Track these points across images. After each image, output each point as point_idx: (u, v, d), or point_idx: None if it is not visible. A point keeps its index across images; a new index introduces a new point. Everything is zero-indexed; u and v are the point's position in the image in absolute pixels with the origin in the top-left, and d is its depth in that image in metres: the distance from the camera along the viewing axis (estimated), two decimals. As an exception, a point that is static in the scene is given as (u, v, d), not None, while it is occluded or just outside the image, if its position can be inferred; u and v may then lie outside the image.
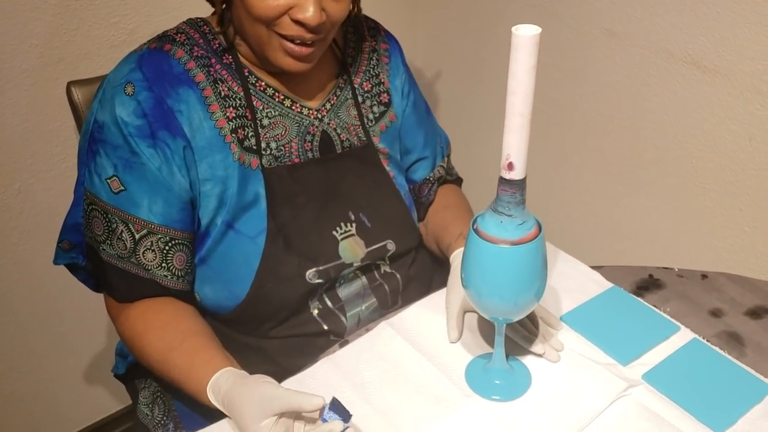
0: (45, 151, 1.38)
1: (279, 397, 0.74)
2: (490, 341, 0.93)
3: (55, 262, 1.04)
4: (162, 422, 1.03)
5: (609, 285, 1.03)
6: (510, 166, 0.73)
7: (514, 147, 0.72)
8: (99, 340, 1.64)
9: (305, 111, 1.01)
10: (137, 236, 0.92)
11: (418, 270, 1.10)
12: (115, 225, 0.92)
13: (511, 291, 0.78)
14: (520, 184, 0.74)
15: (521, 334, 0.91)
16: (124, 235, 0.92)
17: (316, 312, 1.00)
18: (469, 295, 0.81)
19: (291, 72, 0.93)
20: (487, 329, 0.95)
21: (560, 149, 1.64)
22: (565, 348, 0.92)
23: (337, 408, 0.77)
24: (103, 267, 0.94)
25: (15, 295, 1.46)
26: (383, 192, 1.07)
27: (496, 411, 0.83)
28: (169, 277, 0.94)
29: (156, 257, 0.93)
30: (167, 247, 0.93)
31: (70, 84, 1.13)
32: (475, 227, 0.78)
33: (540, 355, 0.90)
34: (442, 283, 1.04)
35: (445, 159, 1.20)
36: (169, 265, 0.94)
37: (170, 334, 0.90)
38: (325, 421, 0.76)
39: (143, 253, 0.92)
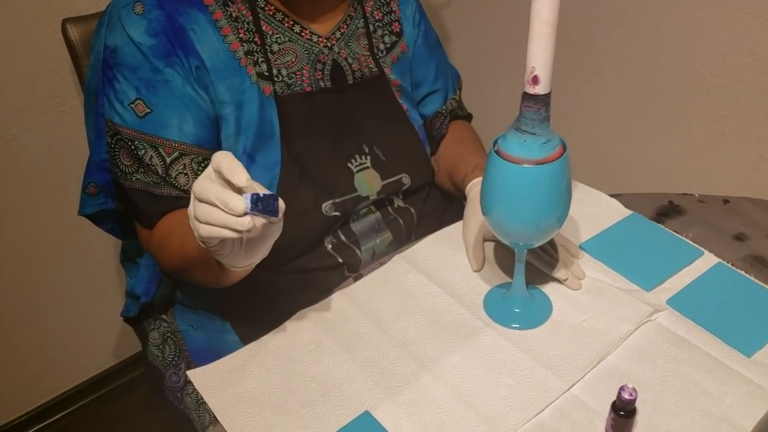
0: (41, 94, 1.34)
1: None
2: (509, 271, 0.90)
3: (82, 212, 1.00)
4: (173, 362, 1.01)
5: (628, 212, 1.00)
6: (535, 80, 0.69)
7: (540, 58, 0.68)
8: (103, 286, 1.61)
9: (315, 38, 0.96)
10: (168, 160, 0.87)
11: (431, 206, 1.07)
12: (143, 152, 0.87)
13: (533, 214, 0.75)
14: (544, 100, 0.70)
15: (543, 260, 0.88)
16: (154, 161, 0.87)
17: (330, 246, 0.97)
18: (490, 221, 0.78)
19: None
20: (505, 259, 0.93)
21: (574, 78, 1.60)
22: (587, 276, 0.89)
23: (262, 203, 0.64)
24: (135, 197, 0.89)
25: (15, 246, 1.43)
26: (397, 125, 1.03)
27: (517, 339, 0.81)
28: None
29: (189, 181, 0.88)
30: (201, 168, 0.89)
31: (65, 21, 1.08)
32: (496, 148, 0.75)
33: (562, 282, 0.88)
34: (454, 219, 1.02)
35: (457, 92, 1.16)
36: None
37: None
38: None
39: (176, 177, 0.88)
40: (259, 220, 0.63)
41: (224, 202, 0.59)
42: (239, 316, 1.01)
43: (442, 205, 1.11)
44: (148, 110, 0.86)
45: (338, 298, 0.88)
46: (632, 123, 1.52)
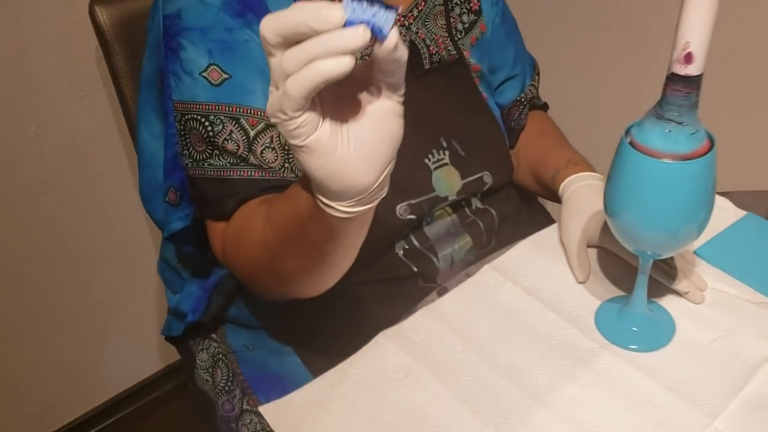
0: (64, 86, 1.21)
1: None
2: (618, 282, 0.79)
3: (170, 232, 0.88)
4: (226, 387, 0.89)
5: (743, 213, 0.88)
6: (688, 58, 0.57)
7: (697, 31, 0.56)
8: (133, 294, 1.49)
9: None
10: (252, 133, 0.74)
11: (511, 206, 0.95)
12: (220, 127, 0.74)
13: (673, 218, 0.63)
14: (697, 82, 0.58)
15: (661, 269, 0.76)
16: (234, 136, 0.74)
17: (401, 252, 0.85)
18: (615, 224, 0.67)
19: None
20: (613, 268, 0.81)
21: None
22: (708, 287, 0.78)
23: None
24: (206, 187, 0.76)
25: (39, 254, 1.31)
26: (477, 116, 0.91)
27: (641, 363, 0.70)
28: (294, 179, 0.76)
29: (277, 157, 0.75)
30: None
31: (93, 3, 0.97)
32: (629, 139, 0.63)
33: (682, 294, 0.76)
34: (532, 221, 0.90)
35: (536, 78, 1.04)
36: (293, 166, 0.76)
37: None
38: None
39: (261, 153, 0.74)
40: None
41: (314, 17, 0.42)
42: (302, 334, 0.89)
43: (520, 206, 0.98)
44: (226, 76, 0.74)
45: (423, 316, 0.76)
46: (737, 114, 1.40)
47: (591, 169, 0.88)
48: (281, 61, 0.44)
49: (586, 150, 0.96)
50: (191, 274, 0.93)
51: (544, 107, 1.07)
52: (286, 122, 0.45)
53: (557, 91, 1.26)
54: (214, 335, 0.94)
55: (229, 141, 0.74)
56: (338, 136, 0.47)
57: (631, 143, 0.62)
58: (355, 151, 0.48)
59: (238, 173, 0.75)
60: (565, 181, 0.86)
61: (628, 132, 0.63)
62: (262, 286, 0.75)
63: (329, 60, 0.42)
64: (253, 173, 0.75)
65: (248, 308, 0.91)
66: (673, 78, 0.58)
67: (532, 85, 1.02)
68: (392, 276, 0.84)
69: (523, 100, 1.00)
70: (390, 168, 0.51)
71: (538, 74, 1.04)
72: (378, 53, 0.44)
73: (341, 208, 0.52)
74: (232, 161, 0.74)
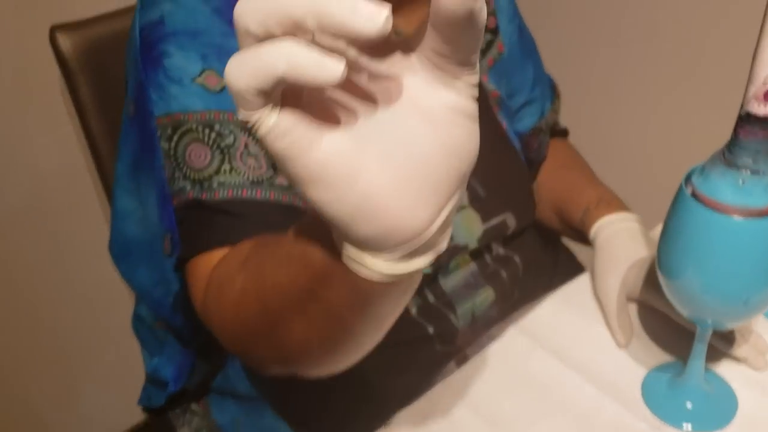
0: (27, 119, 1.10)
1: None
2: (666, 346, 0.68)
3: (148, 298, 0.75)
4: (213, 468, 0.77)
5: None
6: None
7: (782, 63, 0.45)
8: (107, 347, 1.37)
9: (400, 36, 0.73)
10: None
11: (535, 251, 0.84)
12: (231, 139, 0.62)
13: (744, 285, 0.53)
14: (777, 123, 0.47)
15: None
16: (251, 149, 0.63)
17: (415, 310, 0.74)
18: (671, 286, 0.56)
19: None
20: (660, 329, 0.69)
21: (699, 100, 1.36)
22: (770, 349, 0.67)
23: None
24: (212, 212, 0.62)
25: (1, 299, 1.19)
26: (498, 149, 0.80)
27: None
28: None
29: None
30: None
31: (54, 29, 0.86)
32: (691, 189, 0.52)
33: (741, 360, 0.65)
34: (557, 267, 0.79)
35: (556, 102, 0.92)
36: None
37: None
38: None
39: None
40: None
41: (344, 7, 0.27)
42: (299, 410, 0.77)
43: (544, 249, 0.87)
44: None
45: (441, 394, 0.65)
46: None
47: (624, 208, 0.78)
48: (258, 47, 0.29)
49: (612, 183, 0.86)
50: (172, 336, 0.81)
51: (564, 133, 0.96)
52: (252, 128, 0.31)
53: (579, 116, 1.16)
54: (197, 406, 0.82)
55: (248, 155, 0.62)
56: (362, 150, 0.31)
57: (693, 194, 0.51)
58: (396, 174, 0.31)
59: (263, 194, 0.62)
60: (597, 223, 0.75)
61: (688, 180, 0.53)
62: (253, 357, 0.58)
63: (306, 54, 0.27)
64: (280, 196, 0.62)
65: (237, 376, 0.79)
66: (748, 119, 0.47)
67: (553, 110, 0.91)
68: (404, 339, 0.73)
69: (543, 126, 0.89)
70: (455, 201, 0.34)
71: (558, 97, 0.93)
72: (442, 4, 0.27)
73: (377, 268, 0.34)
74: (252, 178, 0.62)
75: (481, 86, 0.78)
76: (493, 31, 0.81)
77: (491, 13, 0.81)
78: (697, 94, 1.28)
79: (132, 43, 0.68)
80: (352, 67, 0.30)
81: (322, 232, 0.37)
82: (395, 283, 0.35)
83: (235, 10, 0.28)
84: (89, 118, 0.89)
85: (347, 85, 0.31)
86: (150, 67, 0.64)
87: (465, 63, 0.30)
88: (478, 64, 0.31)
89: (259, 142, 0.32)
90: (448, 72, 0.30)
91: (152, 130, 0.64)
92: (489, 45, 0.81)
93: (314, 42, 0.28)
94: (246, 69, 0.28)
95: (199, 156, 0.63)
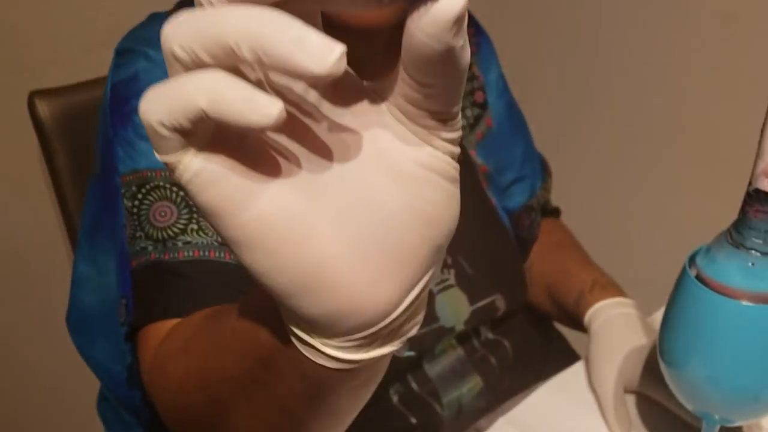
0: (2, 187, 1.06)
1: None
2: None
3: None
4: None
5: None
6: (778, 172, 0.43)
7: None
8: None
9: None
10: None
11: (526, 336, 0.80)
12: None
13: (754, 375, 0.48)
14: (788, 202, 0.44)
15: None
16: None
17: (396, 398, 0.68)
18: (675, 377, 0.52)
19: (363, 28, 0.55)
20: (659, 419, 0.65)
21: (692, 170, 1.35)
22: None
23: None
24: (172, 275, 0.57)
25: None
26: (487, 226, 0.77)
27: None
28: None
29: None
30: None
31: (32, 94, 0.84)
32: (695, 272, 0.48)
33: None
34: (549, 353, 0.75)
35: (547, 180, 0.90)
36: None
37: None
38: None
39: None
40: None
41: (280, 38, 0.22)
42: None
43: (535, 334, 0.83)
44: None
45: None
46: None
47: (621, 293, 0.74)
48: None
49: (607, 266, 0.82)
50: (136, 418, 0.75)
51: (556, 213, 0.93)
52: (173, 174, 0.26)
53: (572, 194, 1.14)
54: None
55: None
56: (313, 209, 0.26)
57: (698, 277, 0.48)
58: (354, 241, 0.26)
59: (233, 256, 0.57)
60: (592, 308, 0.71)
61: (692, 261, 0.49)
62: None
63: (235, 92, 0.22)
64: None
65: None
66: (757, 196, 0.44)
67: (544, 188, 0.88)
68: (385, 430, 0.67)
69: (534, 205, 0.86)
70: (428, 278, 0.28)
71: (549, 176, 0.91)
72: (415, 39, 0.23)
73: (333, 353, 0.28)
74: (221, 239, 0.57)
75: (469, 160, 0.76)
76: (482, 105, 0.79)
77: (480, 88, 0.79)
78: (701, 169, 1.26)
79: (103, 102, 0.65)
80: (310, 114, 0.26)
81: (272, 306, 0.30)
82: (353, 372, 0.29)
83: (162, 29, 0.24)
84: (64, 187, 0.86)
85: (302, 133, 0.26)
86: (120, 123, 0.62)
87: (443, 115, 0.25)
88: (460, 118, 0.26)
89: (184, 192, 0.26)
90: (423, 125, 0.26)
91: (116, 187, 0.61)
92: (478, 119, 0.79)
93: (267, 80, 0.24)
94: (161, 101, 0.23)
95: (164, 214, 0.59)
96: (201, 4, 0.23)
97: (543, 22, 1.43)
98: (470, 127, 0.77)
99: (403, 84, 0.25)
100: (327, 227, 0.25)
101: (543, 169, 0.89)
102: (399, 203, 0.26)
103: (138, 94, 0.61)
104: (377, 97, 0.26)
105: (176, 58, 0.23)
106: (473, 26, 0.83)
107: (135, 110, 0.61)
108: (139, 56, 0.63)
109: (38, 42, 1.04)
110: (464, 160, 0.75)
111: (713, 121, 1.21)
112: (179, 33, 0.23)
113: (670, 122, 1.27)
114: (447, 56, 0.23)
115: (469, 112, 0.78)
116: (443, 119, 0.25)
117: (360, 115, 0.26)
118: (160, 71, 0.62)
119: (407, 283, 0.26)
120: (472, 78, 0.79)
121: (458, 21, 0.22)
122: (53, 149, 0.85)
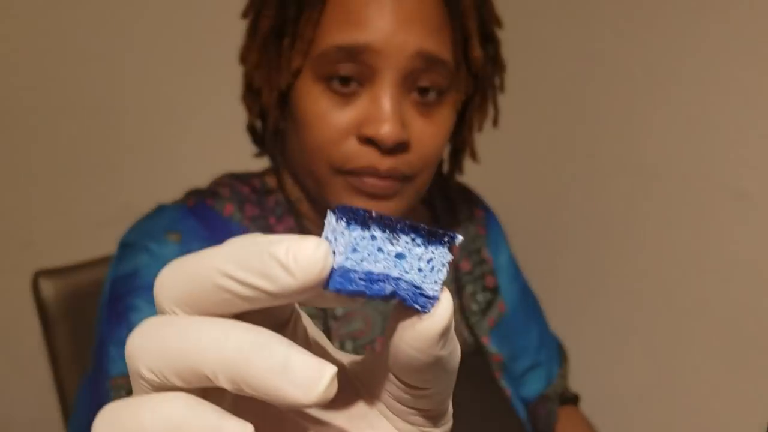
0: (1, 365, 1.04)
1: None
2: None
3: None
4: None
5: None
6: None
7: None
8: None
9: None
10: None
11: None
12: None
13: None
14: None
15: None
16: None
17: None
18: None
19: None
20: None
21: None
22: None
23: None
24: None
25: None
26: (501, 419, 0.72)
27: None
28: None
29: None
30: None
31: (38, 274, 0.83)
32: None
33: None
34: None
35: (564, 366, 0.86)
36: None
37: None
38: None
39: None
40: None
41: (262, 271, 0.21)
42: None
43: None
44: None
45: None
46: None
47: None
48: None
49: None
50: None
51: (575, 400, 0.88)
52: None
53: (591, 380, 1.09)
54: None
55: None
56: None
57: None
58: None
59: None
60: None
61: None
62: None
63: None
64: None
65: None
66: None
67: (561, 375, 0.84)
68: None
69: (551, 394, 0.82)
70: None
71: (566, 361, 0.87)
72: (402, 351, 0.22)
73: None
74: None
75: (482, 350, 0.73)
76: (494, 290, 0.78)
77: (489, 272, 0.78)
78: (735, 351, 1.20)
79: (102, 295, 0.64)
80: (299, 419, 0.24)
81: None
82: None
83: (126, 345, 0.22)
84: (63, 370, 0.83)
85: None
86: (114, 322, 0.60)
87: (433, 413, 0.25)
88: (450, 414, 0.26)
89: None
90: (413, 422, 0.25)
91: (105, 392, 0.58)
92: (489, 304, 0.77)
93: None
94: (121, 420, 0.21)
95: None
96: (164, 312, 0.22)
97: (558, 203, 1.45)
98: (482, 312, 0.75)
99: (391, 384, 0.24)
100: None
101: (559, 355, 0.86)
102: None
103: (134, 291, 0.61)
104: (368, 395, 0.26)
105: (143, 379, 0.22)
106: (481, 207, 0.83)
107: (131, 308, 0.60)
108: (141, 251, 0.64)
109: (48, 216, 1.05)
110: (476, 350, 0.72)
111: (731, 299, 1.17)
112: (147, 352, 0.22)
113: (686, 302, 1.24)
114: (435, 365, 0.23)
115: (480, 297, 0.76)
116: (433, 416, 0.25)
117: (354, 417, 0.25)
118: (160, 266, 0.61)
119: None
120: (481, 262, 0.78)
121: (444, 333, 0.22)
122: (54, 330, 0.83)
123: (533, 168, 1.47)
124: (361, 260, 0.22)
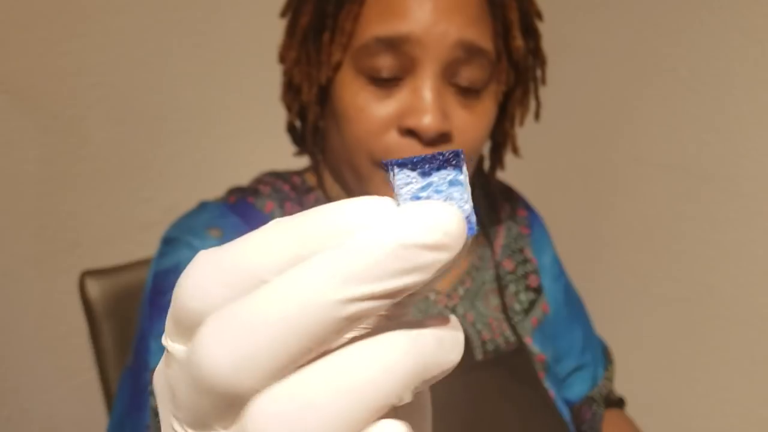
0: (46, 364, 1.06)
1: None
2: None
3: None
4: None
5: None
6: None
7: None
8: None
9: (432, 295, 0.68)
10: None
11: None
12: None
13: None
14: None
15: None
16: None
17: None
18: None
19: None
20: None
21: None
22: None
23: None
24: None
25: None
26: (544, 420, 0.71)
27: None
28: None
29: None
30: None
31: (84, 275, 0.85)
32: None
33: None
34: None
35: (610, 368, 0.84)
36: None
37: None
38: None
39: None
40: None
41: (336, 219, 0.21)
42: None
43: None
44: None
45: None
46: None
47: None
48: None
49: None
50: None
51: (620, 404, 0.86)
52: None
53: (636, 383, 1.06)
54: None
55: None
56: None
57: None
58: None
59: None
60: None
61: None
62: None
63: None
64: None
65: None
66: None
67: (607, 377, 0.82)
68: None
69: (596, 396, 0.80)
70: None
71: (612, 363, 0.85)
72: None
73: None
74: None
75: (525, 349, 0.72)
76: (537, 290, 0.76)
77: (533, 272, 0.76)
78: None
79: (145, 290, 0.65)
80: None
81: None
82: None
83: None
84: (108, 367, 0.85)
85: None
86: (156, 316, 0.61)
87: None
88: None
89: None
90: None
91: (144, 384, 0.59)
92: (532, 304, 0.75)
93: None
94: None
95: None
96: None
97: (600, 203, 1.42)
98: (525, 312, 0.74)
99: None
100: None
101: (605, 356, 0.84)
102: None
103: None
104: None
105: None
106: (525, 208, 0.82)
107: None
108: (183, 246, 0.64)
109: (95, 219, 1.07)
110: (520, 349, 0.71)
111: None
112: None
113: (735, 307, 1.21)
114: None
115: (523, 297, 0.75)
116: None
117: None
118: None
119: None
120: (524, 261, 0.76)
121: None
122: (100, 329, 0.84)
123: (576, 168, 1.45)
124: (446, 198, 0.22)
